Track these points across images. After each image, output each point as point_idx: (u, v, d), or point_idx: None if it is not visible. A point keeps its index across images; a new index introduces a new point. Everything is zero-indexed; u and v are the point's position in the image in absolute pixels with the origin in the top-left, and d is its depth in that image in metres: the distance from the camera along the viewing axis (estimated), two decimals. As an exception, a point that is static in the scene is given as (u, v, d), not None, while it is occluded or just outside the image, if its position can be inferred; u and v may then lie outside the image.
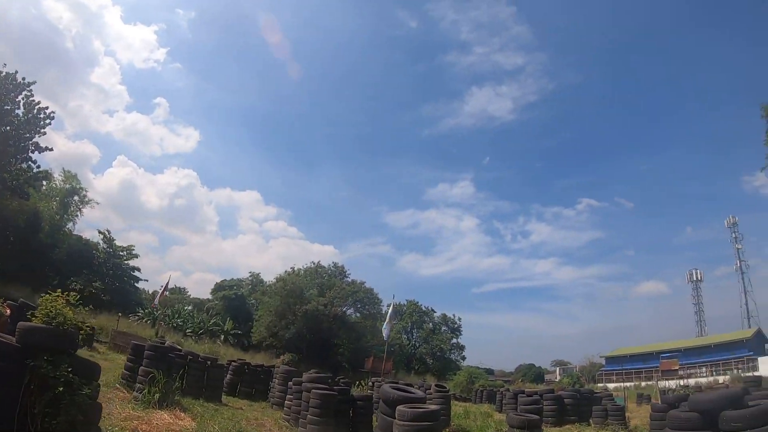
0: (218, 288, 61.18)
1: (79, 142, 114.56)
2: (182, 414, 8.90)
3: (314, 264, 53.44)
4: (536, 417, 10.95)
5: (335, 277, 51.84)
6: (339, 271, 53.56)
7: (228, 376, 16.28)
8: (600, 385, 57.31)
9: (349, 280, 51.52)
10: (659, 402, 11.62)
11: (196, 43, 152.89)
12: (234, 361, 17.93)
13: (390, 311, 27.58)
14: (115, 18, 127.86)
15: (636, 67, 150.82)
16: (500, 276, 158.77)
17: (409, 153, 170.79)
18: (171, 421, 8.07)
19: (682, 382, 43.97)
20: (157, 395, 9.03)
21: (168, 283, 36.89)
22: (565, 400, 17.26)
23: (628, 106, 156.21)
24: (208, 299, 61.22)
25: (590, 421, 16.66)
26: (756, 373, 41.11)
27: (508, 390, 26.96)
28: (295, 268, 52.21)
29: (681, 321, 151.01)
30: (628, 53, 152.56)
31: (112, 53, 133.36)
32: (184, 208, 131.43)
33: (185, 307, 54.61)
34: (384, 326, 27.10)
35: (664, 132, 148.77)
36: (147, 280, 50.87)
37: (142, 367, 10.19)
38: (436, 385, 15.74)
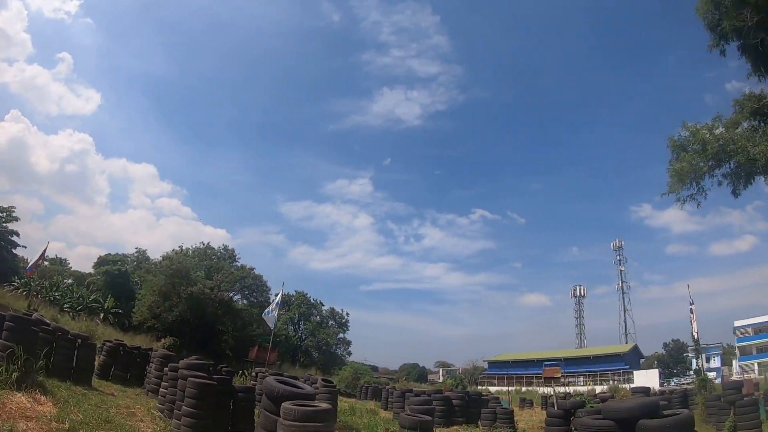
0: (101, 262, 55.80)
1: None
2: (43, 398, 7.67)
3: (204, 245, 50.20)
4: (428, 418, 10.09)
5: (224, 261, 49.14)
6: (229, 254, 51.01)
7: (101, 357, 14.74)
8: (482, 387, 58.95)
9: (239, 264, 49.32)
10: (554, 408, 11.04)
11: (113, 1, 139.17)
12: (109, 341, 15.97)
13: (278, 299, 25.26)
14: None
15: (543, 91, 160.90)
16: (390, 276, 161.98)
17: (312, 145, 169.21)
18: (28, 405, 7.00)
19: (563, 389, 46.10)
20: (15, 374, 7.64)
21: (45, 250, 32.18)
22: (453, 401, 16.55)
23: (530, 126, 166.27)
24: (90, 273, 55.60)
25: (478, 423, 16.12)
26: (632, 385, 43.78)
27: (394, 388, 26.15)
28: (184, 248, 48.73)
29: (561, 333, 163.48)
30: (537, 77, 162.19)
31: None
32: (75, 175, 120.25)
33: (65, 281, 49.15)
34: (269, 313, 24.58)
35: (560, 155, 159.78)
36: (25, 247, 44.34)
37: (0, 341, 8.53)
38: (323, 380, 14.25)
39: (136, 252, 60.17)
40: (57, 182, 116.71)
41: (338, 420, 13.59)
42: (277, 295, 26.36)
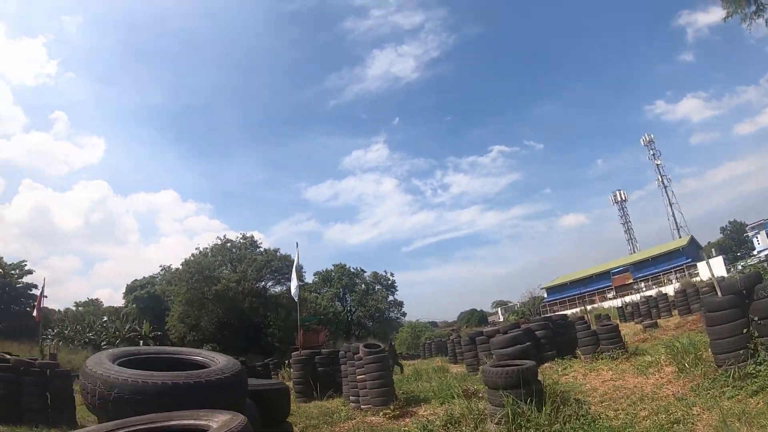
0: (129, 290, 55.88)
1: None
2: None
3: (221, 240, 46.71)
4: (528, 362, 6.81)
5: (245, 250, 45.72)
6: (249, 242, 47.08)
7: None
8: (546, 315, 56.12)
9: (262, 250, 45.85)
10: (717, 293, 7.28)
11: (89, 49, 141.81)
12: None
13: (296, 263, 22.18)
14: None
15: (531, 11, 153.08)
16: (427, 231, 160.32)
17: (320, 125, 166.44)
18: None
19: (637, 297, 42.99)
20: None
21: (44, 288, 29.53)
22: (536, 333, 13.36)
23: (527, 49, 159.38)
24: (123, 306, 54.79)
25: (576, 351, 12.80)
26: (697, 279, 40.25)
27: (459, 336, 23.23)
28: (201, 248, 45.79)
29: (608, 245, 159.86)
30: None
31: (1, 74, 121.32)
32: (101, 223, 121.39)
33: (100, 319, 47.67)
34: (292, 283, 21.56)
35: (562, 71, 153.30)
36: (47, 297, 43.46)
37: None
38: (364, 346, 11.27)
39: (161, 269, 57.32)
40: (86, 234, 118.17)
41: (399, 392, 10.98)
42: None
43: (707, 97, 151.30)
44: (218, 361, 4.16)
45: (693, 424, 5.47)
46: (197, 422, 2.76)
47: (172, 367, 4.01)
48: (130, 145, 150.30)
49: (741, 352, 6.81)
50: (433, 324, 65.81)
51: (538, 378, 6.89)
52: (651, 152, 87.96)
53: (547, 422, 5.90)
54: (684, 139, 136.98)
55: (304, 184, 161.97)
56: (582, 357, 12.47)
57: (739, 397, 6.05)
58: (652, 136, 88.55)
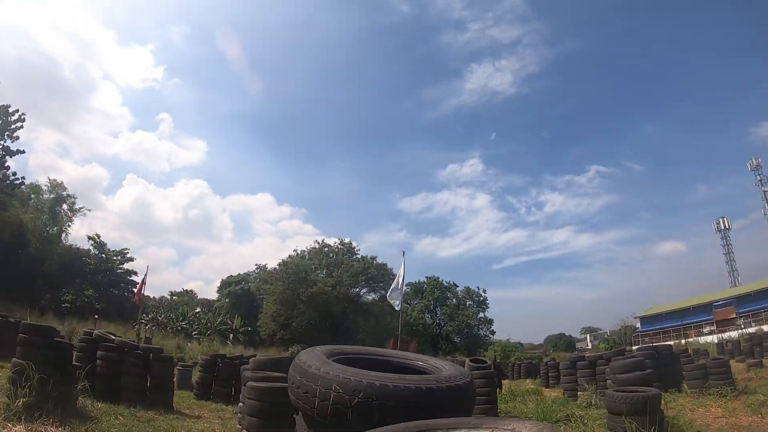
0: (224, 285, 58.30)
1: (88, 166, 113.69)
2: (55, 430, 5.61)
3: (319, 243, 48.36)
4: (653, 390, 7.20)
5: (343, 256, 46.91)
6: (347, 248, 48.10)
7: (198, 373, 13.51)
8: (636, 348, 53.78)
9: (359, 257, 46.78)
10: None
11: (193, 57, 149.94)
12: (207, 355, 14.83)
13: (401, 270, 21.89)
14: (109, 42, 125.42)
15: (633, 26, 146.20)
16: (519, 250, 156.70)
17: (416, 138, 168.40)
18: None
19: (735, 333, 40.57)
20: (22, 401, 5.79)
21: (146, 276, 32.49)
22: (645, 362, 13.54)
23: (628, 66, 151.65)
24: (217, 299, 57.96)
25: (683, 384, 12.85)
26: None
27: (553, 359, 23.29)
28: (299, 251, 47.69)
29: (705, 277, 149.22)
30: (625, 12, 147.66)
31: (110, 77, 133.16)
32: (198, 219, 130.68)
33: (194, 310, 51.60)
34: (394, 291, 21.43)
35: (665, 90, 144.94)
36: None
37: (15, 359, 6.57)
38: (471, 360, 11.61)
39: (256, 268, 59.61)
40: (184, 228, 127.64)
41: (497, 410, 10.97)
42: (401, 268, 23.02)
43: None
44: (443, 366, 3.97)
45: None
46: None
47: (396, 371, 3.62)
48: (230, 149, 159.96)
49: None
50: (519, 345, 64.97)
51: (662, 407, 7.04)
52: (758, 177, 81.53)
53: None
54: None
55: (398, 194, 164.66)
56: (688, 391, 12.42)
57: None
58: (760, 160, 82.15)
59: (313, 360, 3.39)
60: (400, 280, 21.77)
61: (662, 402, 7.13)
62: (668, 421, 7.00)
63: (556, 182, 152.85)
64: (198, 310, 53.30)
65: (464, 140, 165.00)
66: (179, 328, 38.96)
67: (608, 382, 10.88)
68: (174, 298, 63.83)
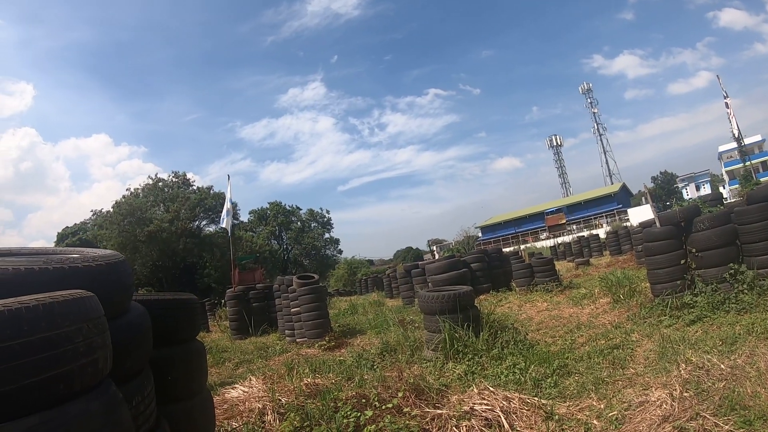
0: (61, 238, 53.35)
1: None
2: None
3: (153, 179, 44.00)
4: (464, 287, 6.66)
5: (179, 189, 43.51)
6: (182, 180, 44.63)
7: None
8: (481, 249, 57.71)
9: (195, 188, 43.81)
10: (657, 224, 6.98)
11: None
12: None
13: (227, 194, 21.51)
14: None
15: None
16: (364, 170, 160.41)
17: (256, 63, 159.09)
18: None
19: (569, 237, 44.60)
20: None
21: None
22: (472, 265, 13.21)
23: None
24: None
25: (511, 283, 13.03)
26: (627, 224, 42.15)
27: (394, 271, 23.21)
28: (132, 189, 43.07)
29: (540, 190, 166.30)
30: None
31: None
32: (31, 172, 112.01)
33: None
34: (223, 218, 21.10)
35: (501, 18, 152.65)
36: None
37: None
38: (298, 278, 10.87)
39: (92, 214, 52.73)
40: (16, 185, 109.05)
41: (333, 326, 10.80)
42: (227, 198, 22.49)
43: (644, 56, 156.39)
44: (96, 252, 3.03)
45: (632, 349, 5.29)
46: None
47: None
48: (61, 89, 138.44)
49: (678, 282, 6.84)
50: (370, 262, 66.32)
51: (475, 304, 6.69)
52: (588, 100, 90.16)
53: (485, 347, 5.70)
54: (619, 92, 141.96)
55: (239, 123, 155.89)
56: (517, 289, 12.56)
57: (677, 325, 5.96)
58: (591, 84, 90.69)
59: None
60: (228, 204, 21.81)
61: (474, 298, 6.78)
62: (484, 316, 6.69)
63: (398, 103, 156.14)
64: (37, 269, 46.46)
65: (305, 63, 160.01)
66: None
67: (430, 285, 10.20)
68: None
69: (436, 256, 69.25)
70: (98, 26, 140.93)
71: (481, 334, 5.96)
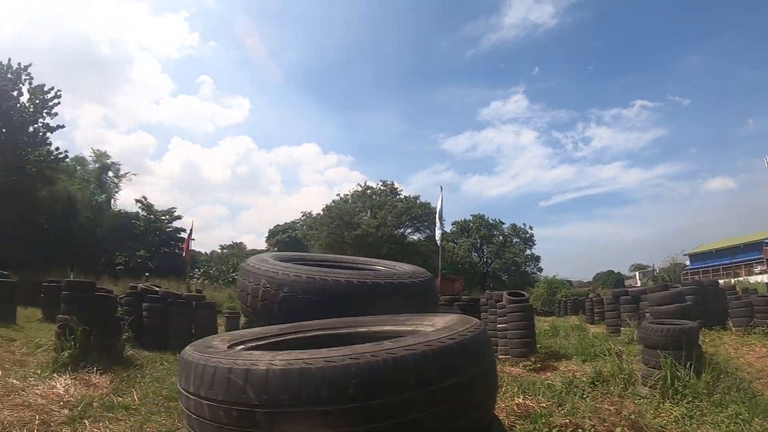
0: (272, 234, 59.13)
1: (134, 135, 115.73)
2: (99, 378, 5.77)
3: (361, 186, 47.12)
4: (689, 323, 6.40)
5: (386, 197, 46.06)
6: (390, 189, 46.91)
7: (244, 319, 13.64)
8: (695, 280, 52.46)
9: (402, 197, 45.84)
10: None
11: (227, 18, 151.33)
12: None
13: (439, 206, 22.49)
14: (143, 13, 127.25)
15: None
16: (567, 186, 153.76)
17: (458, 77, 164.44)
18: (63, 391, 5.00)
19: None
20: (67, 353, 6.11)
21: (191, 230, 33.00)
22: (686, 297, 12.97)
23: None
24: (265, 249, 57.89)
25: (727, 322, 12.25)
26: None
27: (598, 295, 22.86)
28: (342, 195, 46.98)
29: (757, 214, 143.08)
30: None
31: (147, 48, 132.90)
32: (246, 175, 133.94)
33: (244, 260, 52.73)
34: (436, 227, 22.06)
35: (713, 19, 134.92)
36: (194, 239, 48.40)
37: (59, 315, 6.87)
38: (509, 294, 11.05)
39: (302, 215, 58.11)
40: (232, 185, 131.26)
41: (538, 346, 10.58)
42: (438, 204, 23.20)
43: None
44: (403, 267, 3.65)
45: None
46: (397, 328, 2.32)
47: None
48: (273, 103, 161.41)
49: None
50: (569, 283, 64.49)
51: (699, 342, 6.39)
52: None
53: (705, 391, 5.30)
54: None
55: (441, 135, 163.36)
56: (733, 329, 11.84)
57: None
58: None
59: (255, 259, 3.25)
60: (438, 215, 22.62)
61: (699, 337, 6.52)
62: (706, 357, 6.42)
63: (603, 116, 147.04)
64: (247, 261, 54.75)
65: (506, 76, 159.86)
66: (230, 279, 39.28)
67: (647, 315, 10.44)
68: (224, 251, 64.07)
69: (638, 283, 64.79)
70: (302, 47, 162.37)
71: (702, 375, 5.58)
